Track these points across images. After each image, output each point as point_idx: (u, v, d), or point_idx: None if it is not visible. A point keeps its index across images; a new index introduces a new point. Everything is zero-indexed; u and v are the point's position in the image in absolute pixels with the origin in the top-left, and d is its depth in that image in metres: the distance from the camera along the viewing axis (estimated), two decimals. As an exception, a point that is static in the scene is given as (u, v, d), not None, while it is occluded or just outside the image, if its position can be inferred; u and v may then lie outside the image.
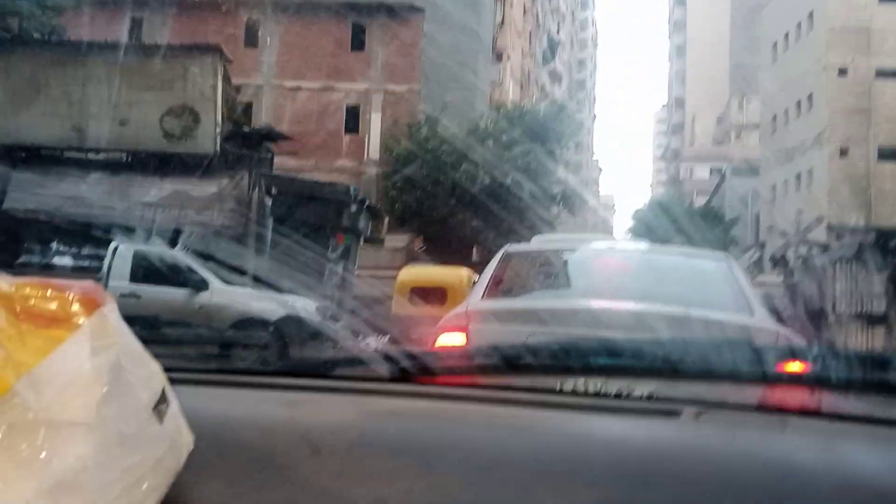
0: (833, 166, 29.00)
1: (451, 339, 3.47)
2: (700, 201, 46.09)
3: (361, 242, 15.96)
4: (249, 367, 1.09)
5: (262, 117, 23.13)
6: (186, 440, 0.70)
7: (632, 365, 0.97)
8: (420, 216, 22.27)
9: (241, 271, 11.59)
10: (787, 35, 33.81)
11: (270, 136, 16.86)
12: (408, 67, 25.68)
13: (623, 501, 0.68)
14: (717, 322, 3.34)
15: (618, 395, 0.89)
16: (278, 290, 10.00)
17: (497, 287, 4.07)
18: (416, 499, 0.70)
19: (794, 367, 1.01)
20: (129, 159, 14.36)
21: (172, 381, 0.69)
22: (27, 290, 0.63)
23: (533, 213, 23.57)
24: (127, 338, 0.65)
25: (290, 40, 25.19)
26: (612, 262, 4.51)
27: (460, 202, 21.08)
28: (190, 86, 14.44)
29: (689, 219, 35.62)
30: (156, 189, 13.83)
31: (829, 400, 0.94)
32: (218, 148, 14.34)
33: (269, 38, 25.51)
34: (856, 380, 0.91)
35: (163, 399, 0.67)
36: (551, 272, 4.51)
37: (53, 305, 0.63)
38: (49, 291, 0.64)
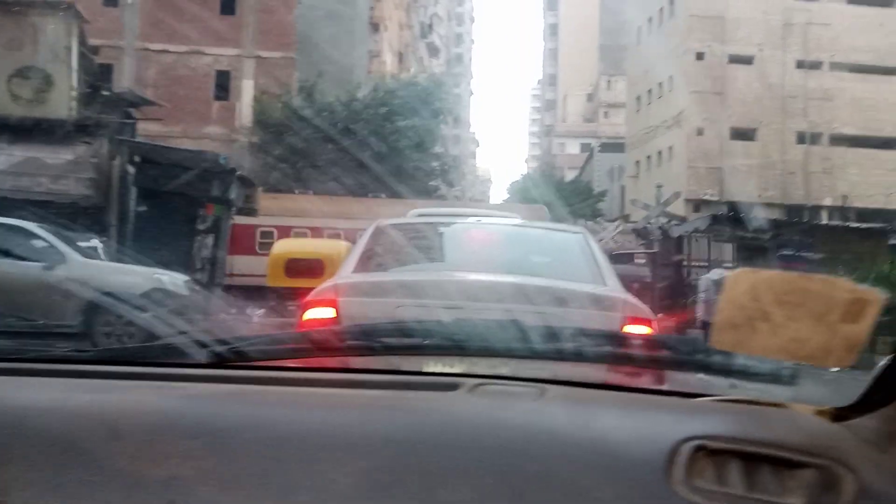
0: (691, 144, 30.92)
1: (320, 313, 3.48)
2: (571, 175, 47.92)
3: (233, 213, 15.49)
4: (60, 356, 1.10)
5: (124, 81, 21.78)
6: None
7: (422, 344, 1.07)
8: (295, 187, 21.86)
9: (102, 243, 10.98)
10: (650, 19, 35.49)
11: (133, 100, 15.95)
12: (281, 34, 24.92)
13: (396, 467, 0.76)
14: (572, 291, 3.54)
15: (403, 372, 0.98)
16: (143, 263, 9.56)
17: (368, 261, 4.11)
18: (206, 475, 0.75)
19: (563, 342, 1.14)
20: (-26, 124, 13.18)
21: None
22: None
23: (411, 186, 23.70)
24: None
25: (154, 1, 23.79)
26: (479, 235, 4.66)
27: (337, 174, 20.85)
28: (41, 46, 13.41)
29: (561, 192, 37.03)
30: (4, 156, 12.80)
31: (584, 371, 1.08)
32: (73, 113, 13.43)
33: (130, -2, 23.99)
34: (606, 353, 1.05)
35: None
36: (422, 245, 4.60)
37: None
38: None
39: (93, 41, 16.13)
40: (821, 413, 0.89)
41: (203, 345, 1.05)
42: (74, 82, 13.67)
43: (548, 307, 3.26)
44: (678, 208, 23.18)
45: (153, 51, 24.32)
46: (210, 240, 14.43)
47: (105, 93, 15.08)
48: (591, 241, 4.38)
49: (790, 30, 31.50)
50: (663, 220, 18.67)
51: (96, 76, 15.66)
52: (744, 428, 0.82)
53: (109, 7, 23.58)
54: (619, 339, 1.12)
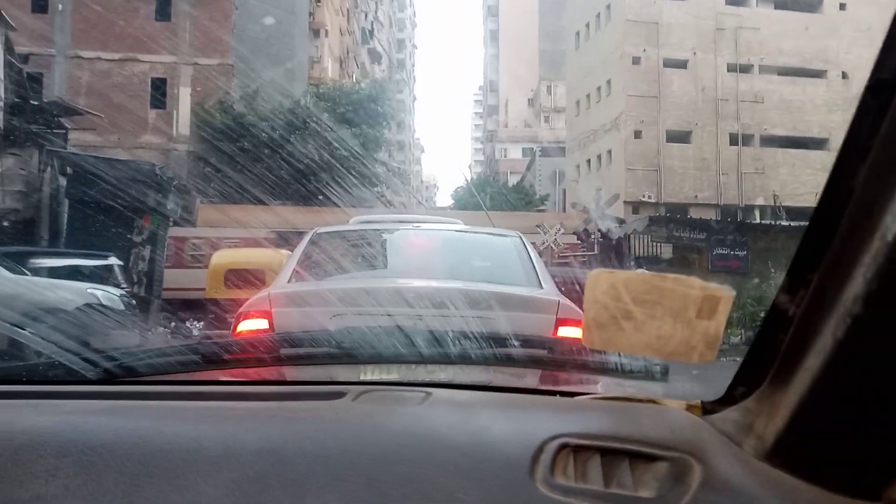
0: (629, 147, 31.56)
1: (253, 325, 3.45)
2: (514, 180, 48.36)
3: (171, 224, 15.15)
4: None
5: (55, 90, 21.11)
6: None
7: (312, 353, 1.09)
8: (233, 196, 21.48)
9: (32, 258, 10.61)
10: (588, 25, 36.13)
11: (64, 110, 15.47)
12: (218, 40, 24.50)
13: (266, 477, 0.76)
14: (507, 295, 3.60)
15: (291, 382, 1.00)
16: (77, 277, 9.28)
17: (305, 269, 4.08)
18: (72, 493, 0.75)
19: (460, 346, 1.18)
20: None
21: None
22: None
23: (356, 193, 23.55)
24: None
25: (86, 7, 23.13)
26: (418, 241, 4.67)
27: (279, 182, 20.59)
28: (-37, 53, 12.93)
29: (504, 196, 37.32)
30: (-75, 169, 12.30)
31: (470, 374, 1.11)
32: (0, 123, 12.96)
33: (60, 4, 23.25)
34: (490, 356, 1.09)
35: None
36: (360, 252, 4.59)
37: None
38: None
39: (21, 49, 15.61)
40: (691, 408, 0.93)
41: (90, 362, 1.03)
42: (1, 92, 13.21)
43: (483, 311, 3.30)
44: (618, 210, 23.62)
45: (86, 58, 23.63)
46: (147, 252, 14.09)
47: (34, 102, 14.60)
48: (527, 244, 4.44)
49: (721, 34, 32.47)
50: (603, 222, 19.02)
51: (25, 85, 15.15)
52: (611, 425, 0.86)
53: (39, 13, 22.83)
54: (504, 341, 1.16)
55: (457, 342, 1.12)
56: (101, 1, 23.18)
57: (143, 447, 0.80)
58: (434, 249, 4.50)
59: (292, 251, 4.57)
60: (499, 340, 1.14)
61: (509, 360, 1.11)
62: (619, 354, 1.02)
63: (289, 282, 3.91)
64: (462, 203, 38.64)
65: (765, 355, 0.83)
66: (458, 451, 0.79)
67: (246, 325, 3.47)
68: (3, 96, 13.26)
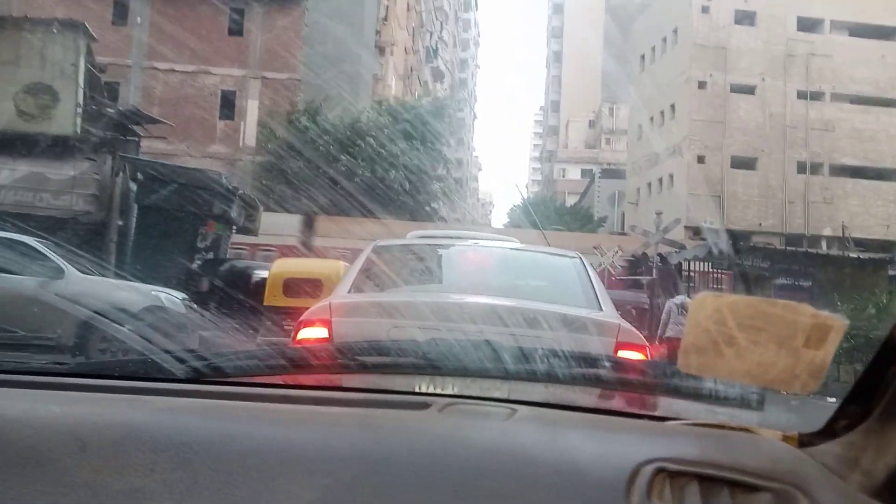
0: (691, 172, 31.06)
1: (313, 333, 3.49)
2: (571, 200, 48.07)
3: (233, 232, 15.51)
4: (37, 368, 1.11)
5: (130, 99, 21.96)
6: None
7: (397, 363, 1.09)
8: (297, 208, 21.92)
9: (101, 260, 11.01)
10: (653, 48, 35.83)
11: (138, 118, 16.05)
12: (287, 55, 25.16)
13: (358, 484, 0.77)
14: (566, 316, 3.54)
15: (375, 390, 0.99)
16: (142, 279, 9.57)
17: (364, 281, 4.11)
18: (170, 488, 0.77)
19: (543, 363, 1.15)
20: (-22, 138, 13.28)
21: None
22: None
23: (413, 208, 23.77)
24: None
25: (163, 21, 24.04)
26: (477, 258, 4.66)
27: (339, 196, 20.93)
28: (48, 63, 13.56)
29: (561, 217, 37.10)
30: (7, 170, 12.88)
31: (555, 392, 1.09)
32: (78, 129, 13.52)
33: (139, 18, 24.25)
34: (578, 375, 1.06)
35: None
36: (418, 266, 4.60)
37: None
38: None
39: (101, 59, 16.29)
40: (787, 439, 0.90)
41: (181, 360, 1.06)
42: (80, 99, 13.78)
43: (542, 331, 3.26)
44: (678, 235, 23.22)
45: (160, 70, 24.55)
46: (210, 258, 14.44)
47: (110, 110, 15.20)
48: (587, 265, 4.39)
49: (792, 60, 31.77)
50: (663, 247, 18.70)
51: (102, 94, 15.80)
52: (707, 451, 0.83)
53: (119, 26, 23.84)
54: (592, 361, 1.13)
55: (543, 360, 1.10)
56: (177, 15, 24.08)
57: (236, 447, 0.81)
58: (493, 267, 4.48)
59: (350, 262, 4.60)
60: (585, 360, 1.11)
61: (596, 381, 1.09)
62: (714, 380, 0.99)
63: (348, 292, 3.93)
64: (518, 221, 38.60)
65: (872, 389, 0.80)
66: (547, 468, 0.78)
67: (306, 333, 3.51)
68: (81, 103, 13.84)
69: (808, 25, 32.29)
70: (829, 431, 0.86)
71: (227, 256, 15.09)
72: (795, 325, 0.81)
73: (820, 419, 0.89)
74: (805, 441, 0.89)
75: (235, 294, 10.94)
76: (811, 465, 0.82)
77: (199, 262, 13.48)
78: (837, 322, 0.81)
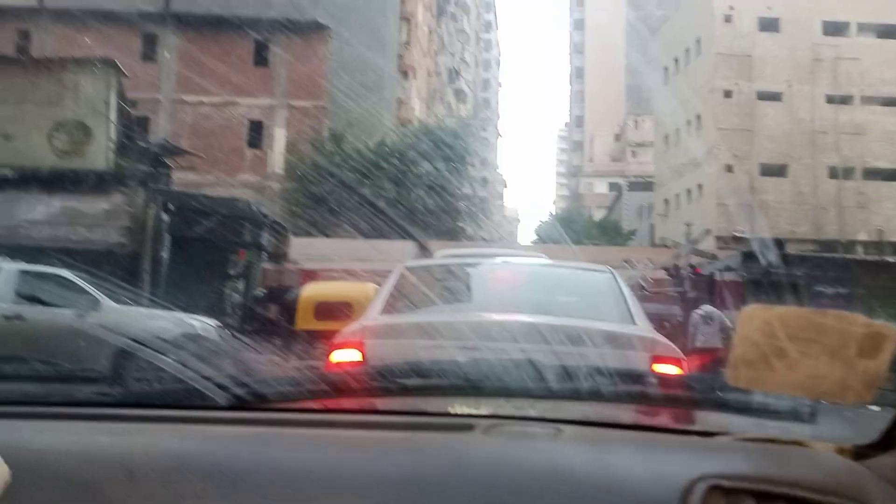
0: (720, 181, 30.71)
1: (346, 356, 3.49)
2: (599, 214, 47.80)
3: (264, 258, 15.67)
4: (83, 400, 1.12)
5: (160, 132, 22.42)
6: (2, 475, 0.75)
7: (439, 384, 1.07)
8: (325, 232, 22.09)
9: (136, 290, 11.18)
10: (677, 59, 35.66)
11: (167, 150, 16.37)
12: (312, 83, 25.53)
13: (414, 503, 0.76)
14: (600, 331, 3.50)
15: (419, 413, 0.98)
16: (176, 309, 9.69)
17: (395, 302, 4.11)
18: None
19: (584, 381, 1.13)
20: (15, 175, 13.63)
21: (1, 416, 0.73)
22: None
23: (439, 228, 23.82)
24: None
25: (190, 55, 24.56)
26: (507, 275, 4.64)
27: (367, 218, 21.07)
28: (81, 100, 13.92)
29: (589, 231, 36.89)
30: (43, 206, 13.19)
31: (600, 410, 1.06)
32: (111, 163, 13.82)
33: (167, 53, 24.82)
34: (622, 392, 1.04)
35: None
36: (448, 286, 4.59)
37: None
38: None
39: (131, 94, 16.68)
40: (841, 451, 0.88)
41: (223, 388, 1.06)
42: (112, 134, 14.10)
43: (576, 347, 3.22)
44: (708, 246, 22.93)
45: (189, 102, 25.05)
46: (241, 285, 14.61)
47: (141, 144, 15.53)
48: (619, 279, 4.34)
49: (819, 65, 31.39)
50: (694, 258, 18.47)
51: (133, 128, 16.15)
52: (760, 466, 0.81)
53: (148, 62, 24.40)
54: (636, 377, 1.11)
55: (585, 377, 1.08)
56: (204, 49, 24.58)
57: (284, 474, 0.81)
58: (524, 284, 4.45)
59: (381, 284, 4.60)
60: (628, 376, 1.09)
61: (640, 397, 1.06)
62: (763, 393, 0.96)
63: (379, 314, 3.93)
64: (545, 237, 38.44)
65: None
66: (598, 489, 0.77)
67: (339, 356, 3.51)
68: (113, 138, 14.16)
69: (833, 29, 31.91)
70: (885, 442, 0.84)
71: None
72: (848, 335, 0.79)
73: (874, 430, 0.86)
74: (861, 453, 0.86)
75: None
76: (869, 478, 0.79)
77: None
78: (892, 331, 0.78)
